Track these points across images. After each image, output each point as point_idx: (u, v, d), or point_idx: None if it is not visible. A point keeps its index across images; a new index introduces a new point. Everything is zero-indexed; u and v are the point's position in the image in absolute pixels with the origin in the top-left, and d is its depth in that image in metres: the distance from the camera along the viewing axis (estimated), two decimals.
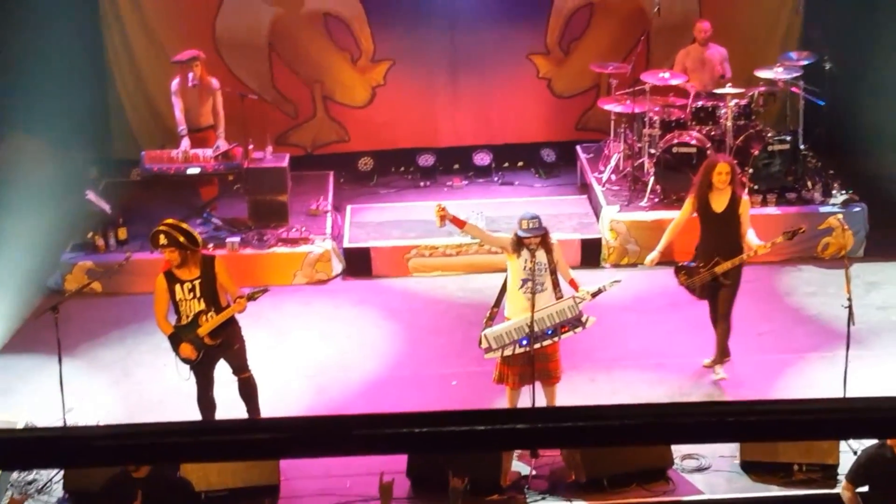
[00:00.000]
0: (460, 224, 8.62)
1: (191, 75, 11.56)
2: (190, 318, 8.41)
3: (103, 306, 11.05)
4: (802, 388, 9.22)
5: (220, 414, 8.72)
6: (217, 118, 11.78)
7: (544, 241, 8.40)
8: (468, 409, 8.85)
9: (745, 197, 9.35)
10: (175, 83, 11.69)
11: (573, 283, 8.64)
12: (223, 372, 8.72)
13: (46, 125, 12.77)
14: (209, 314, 8.39)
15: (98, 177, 12.69)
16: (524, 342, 8.36)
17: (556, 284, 8.46)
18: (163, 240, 8.28)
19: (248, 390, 8.71)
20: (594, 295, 8.54)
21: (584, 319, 8.51)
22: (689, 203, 9.35)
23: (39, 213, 11.62)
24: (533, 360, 8.38)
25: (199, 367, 8.57)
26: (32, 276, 11.18)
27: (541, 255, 8.36)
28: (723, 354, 9.44)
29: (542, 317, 8.35)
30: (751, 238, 9.15)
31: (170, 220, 8.53)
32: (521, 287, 8.39)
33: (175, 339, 8.47)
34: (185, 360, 8.53)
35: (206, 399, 8.64)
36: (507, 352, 8.42)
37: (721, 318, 9.33)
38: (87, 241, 11.64)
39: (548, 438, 2.40)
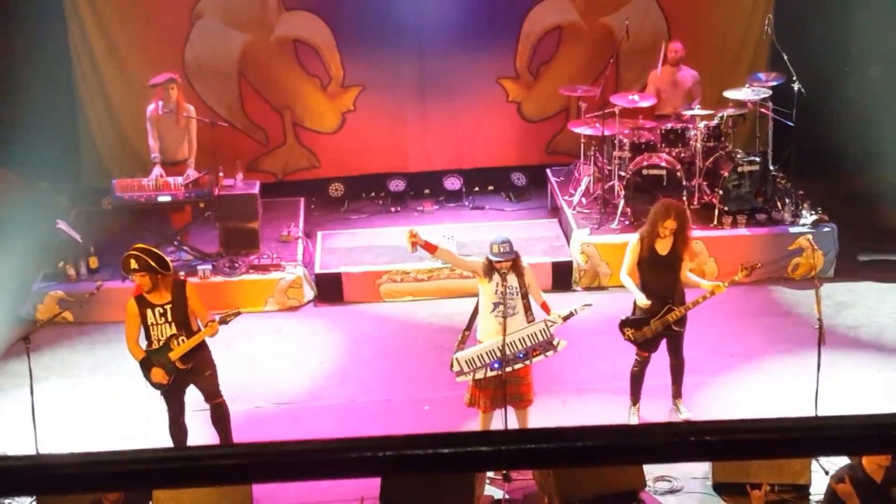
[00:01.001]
0: (432, 249, 8.63)
1: (160, 103, 11.53)
2: (161, 343, 8.40)
3: (75, 335, 10.99)
4: (773, 407, 9.25)
5: (192, 440, 8.68)
6: (191, 146, 11.75)
7: (515, 264, 8.42)
8: (441, 429, 8.89)
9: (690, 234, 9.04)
10: (151, 108, 11.65)
11: (545, 307, 8.65)
12: (194, 398, 8.68)
13: (16, 155, 12.76)
14: (180, 338, 8.39)
15: (69, 206, 12.63)
16: (496, 366, 8.37)
17: (527, 308, 8.48)
18: (133, 264, 8.27)
19: (219, 417, 8.69)
20: (565, 318, 8.55)
21: (555, 343, 8.52)
22: (634, 246, 8.91)
23: (10, 243, 11.57)
24: (504, 383, 8.38)
25: (170, 393, 8.54)
26: (3, 305, 11.13)
27: (512, 279, 8.38)
28: (679, 392, 9.24)
29: (514, 340, 8.36)
30: (699, 279, 8.96)
31: (140, 245, 8.55)
32: (493, 311, 8.40)
33: (146, 364, 8.46)
34: (155, 386, 8.50)
35: (176, 425, 8.61)
36: (479, 375, 8.42)
37: (676, 360, 9.09)
38: (58, 271, 11.59)
39: (515, 460, 2.41)
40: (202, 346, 8.53)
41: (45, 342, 10.53)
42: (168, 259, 8.59)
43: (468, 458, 2.24)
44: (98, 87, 13.40)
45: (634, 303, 8.94)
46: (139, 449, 2.34)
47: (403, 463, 2.27)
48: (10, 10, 12.74)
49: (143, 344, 8.50)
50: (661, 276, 8.84)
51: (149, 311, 8.38)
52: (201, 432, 8.73)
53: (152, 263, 8.28)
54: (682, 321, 8.91)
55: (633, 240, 9.06)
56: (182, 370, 8.44)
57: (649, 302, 8.78)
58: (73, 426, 9.37)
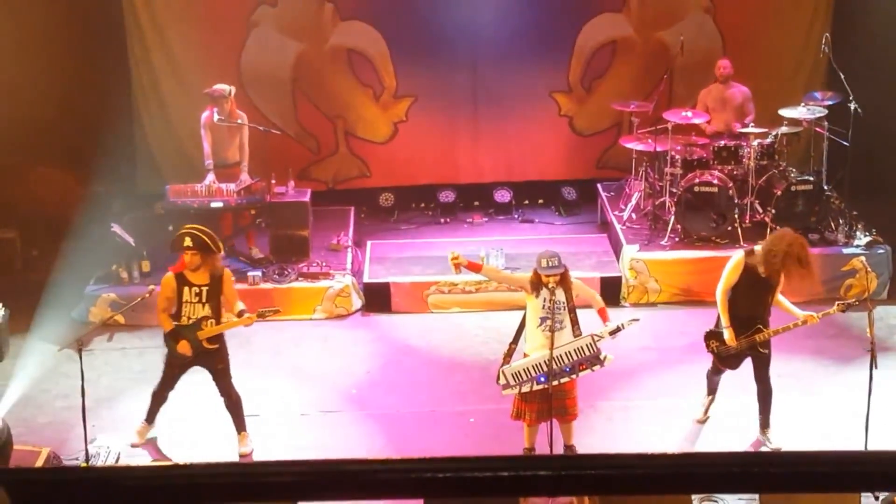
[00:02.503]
0: (476, 268, 8.66)
1: (215, 110, 11.62)
2: (192, 321, 8.77)
3: (126, 339, 11.10)
4: (823, 433, 9.15)
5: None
6: (242, 152, 11.84)
7: (563, 279, 8.40)
8: (486, 446, 8.88)
9: None
10: (205, 116, 11.74)
11: (602, 312, 8.57)
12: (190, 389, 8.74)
13: (73, 159, 12.93)
14: (210, 321, 8.79)
15: (123, 210, 12.78)
16: (542, 379, 8.36)
17: (574, 322, 8.45)
18: (188, 241, 8.67)
19: (232, 406, 9.07)
20: (612, 333, 8.51)
21: (602, 357, 8.49)
22: (738, 265, 8.69)
23: (66, 246, 11.73)
24: (550, 397, 8.37)
25: (177, 368, 8.93)
26: (58, 307, 11.28)
27: (560, 294, 8.36)
28: (767, 422, 9.07)
29: (561, 354, 8.34)
30: (792, 306, 8.79)
31: (194, 225, 8.92)
32: (540, 325, 8.39)
33: (174, 335, 8.85)
34: (178, 356, 8.86)
35: (162, 397, 9.09)
36: (525, 388, 8.42)
37: (763, 386, 8.98)
38: (111, 274, 11.71)
39: (571, 486, 2.41)
40: (222, 343, 8.90)
41: (98, 344, 10.64)
42: (219, 240, 8.96)
43: (526, 482, 2.25)
44: (154, 93, 13.54)
45: (718, 317, 8.87)
46: (193, 463, 2.37)
47: (459, 485, 2.28)
48: (71, 14, 12.91)
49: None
50: (756, 296, 8.74)
51: (185, 289, 8.76)
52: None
53: (207, 241, 8.69)
54: (767, 343, 8.82)
55: (737, 257, 8.81)
56: (204, 351, 8.82)
57: (735, 345, 8.74)
58: (124, 429, 9.44)
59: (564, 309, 8.38)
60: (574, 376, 8.46)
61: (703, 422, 9.39)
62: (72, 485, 2.30)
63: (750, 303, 8.77)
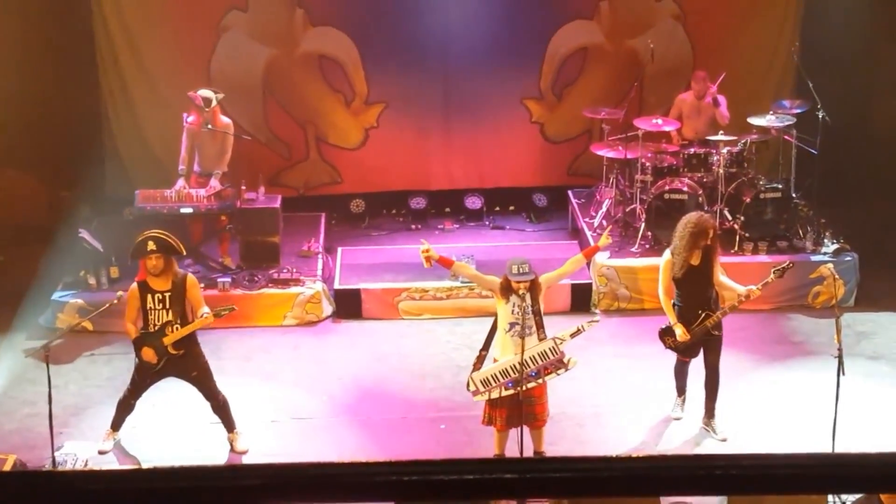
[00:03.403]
0: (447, 263, 8.69)
1: (205, 119, 11.52)
2: (157, 327, 8.81)
3: (94, 345, 11.03)
4: (789, 439, 9.20)
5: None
6: (223, 160, 11.72)
7: (533, 284, 8.43)
8: (457, 452, 8.88)
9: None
10: (191, 119, 11.61)
11: (591, 251, 9.24)
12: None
13: (41, 163, 12.85)
14: (175, 326, 8.81)
15: (91, 215, 12.70)
16: (511, 385, 8.40)
17: (539, 325, 8.49)
18: (151, 245, 8.73)
19: (219, 410, 9.13)
20: (573, 335, 8.57)
21: (566, 360, 8.54)
22: (667, 265, 9.11)
23: (32, 251, 11.64)
24: (520, 403, 8.39)
25: (146, 375, 8.92)
26: (24, 313, 11.20)
27: (528, 299, 8.39)
28: (712, 411, 9.34)
29: (527, 359, 8.36)
30: (733, 284, 9.11)
31: (155, 230, 8.93)
32: (510, 330, 8.42)
33: (139, 343, 8.86)
34: (145, 364, 8.87)
35: (128, 404, 9.07)
36: (494, 394, 8.46)
37: (711, 372, 9.25)
38: (79, 280, 11.63)
39: (537, 488, 2.41)
40: (195, 348, 8.94)
41: (65, 351, 10.56)
42: (180, 244, 9.04)
43: (492, 484, 2.25)
44: (123, 97, 13.46)
45: (672, 312, 9.15)
46: (159, 468, 2.35)
47: (428, 488, 2.27)
48: (38, 18, 12.83)
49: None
50: (696, 286, 9.06)
51: (149, 297, 8.81)
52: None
53: (171, 243, 8.79)
54: (719, 325, 9.12)
55: (665, 257, 9.21)
56: (173, 356, 8.82)
57: (689, 337, 9.04)
58: (91, 435, 9.38)
59: (532, 313, 8.41)
60: (540, 381, 8.49)
61: (679, 419, 9.54)
62: (41, 488, 2.28)
63: (693, 293, 9.08)
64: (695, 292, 9.08)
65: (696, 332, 9.07)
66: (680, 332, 9.05)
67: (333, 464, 2.41)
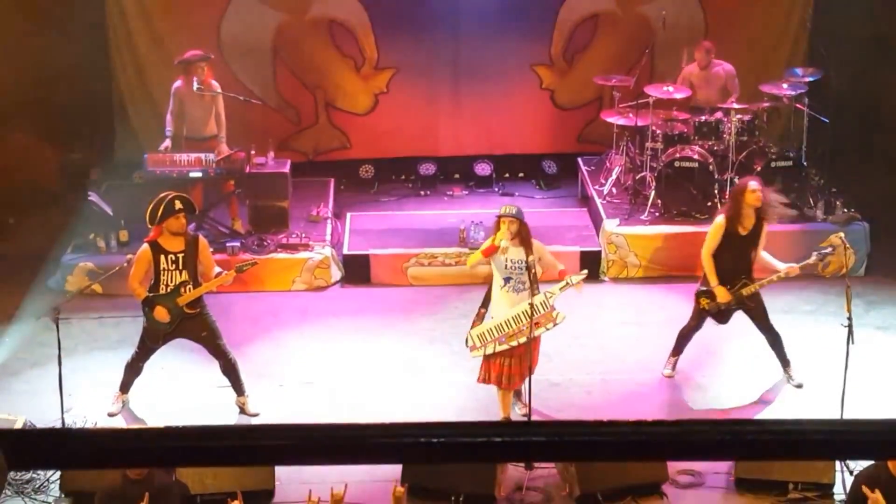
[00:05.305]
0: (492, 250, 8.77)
1: (195, 79, 11.54)
2: (170, 288, 8.82)
3: (103, 307, 11.05)
4: (800, 406, 9.21)
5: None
6: (220, 124, 11.78)
7: (524, 240, 8.59)
8: (465, 415, 8.92)
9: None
10: (177, 84, 11.67)
11: (563, 274, 8.90)
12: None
13: (50, 126, 12.83)
14: (189, 286, 8.85)
15: (100, 179, 12.69)
16: (503, 340, 8.66)
17: (532, 282, 8.65)
18: (179, 204, 8.79)
19: (228, 370, 9.16)
20: (562, 289, 8.78)
21: (555, 315, 8.69)
22: (718, 227, 9.33)
23: (42, 214, 11.65)
24: (520, 358, 8.62)
25: (157, 337, 8.96)
26: (34, 276, 11.22)
27: (519, 253, 8.63)
28: (786, 361, 9.56)
29: (519, 314, 8.62)
30: (773, 260, 9.34)
31: (170, 191, 9.05)
32: (505, 285, 8.74)
33: (150, 304, 8.89)
34: (156, 324, 8.89)
35: (136, 367, 9.12)
36: (489, 350, 8.69)
37: (768, 334, 9.46)
38: (88, 242, 11.65)
39: (545, 452, 2.42)
40: (205, 309, 8.98)
41: (74, 313, 10.58)
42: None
43: (499, 447, 2.25)
44: (133, 61, 13.42)
45: (704, 276, 9.35)
46: (168, 426, 2.36)
47: (435, 450, 2.28)
48: None
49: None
50: (738, 254, 9.27)
51: (162, 257, 8.83)
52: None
53: (193, 203, 9.03)
54: (754, 297, 9.30)
55: (717, 220, 9.40)
56: (186, 316, 8.86)
57: (730, 298, 9.25)
58: (100, 398, 9.42)
59: (524, 268, 8.56)
60: (530, 335, 8.60)
61: (670, 376, 9.69)
62: (48, 443, 2.29)
63: (733, 260, 9.27)
64: (736, 261, 9.27)
65: (735, 296, 9.24)
66: (721, 293, 9.23)
67: (343, 426, 2.42)
